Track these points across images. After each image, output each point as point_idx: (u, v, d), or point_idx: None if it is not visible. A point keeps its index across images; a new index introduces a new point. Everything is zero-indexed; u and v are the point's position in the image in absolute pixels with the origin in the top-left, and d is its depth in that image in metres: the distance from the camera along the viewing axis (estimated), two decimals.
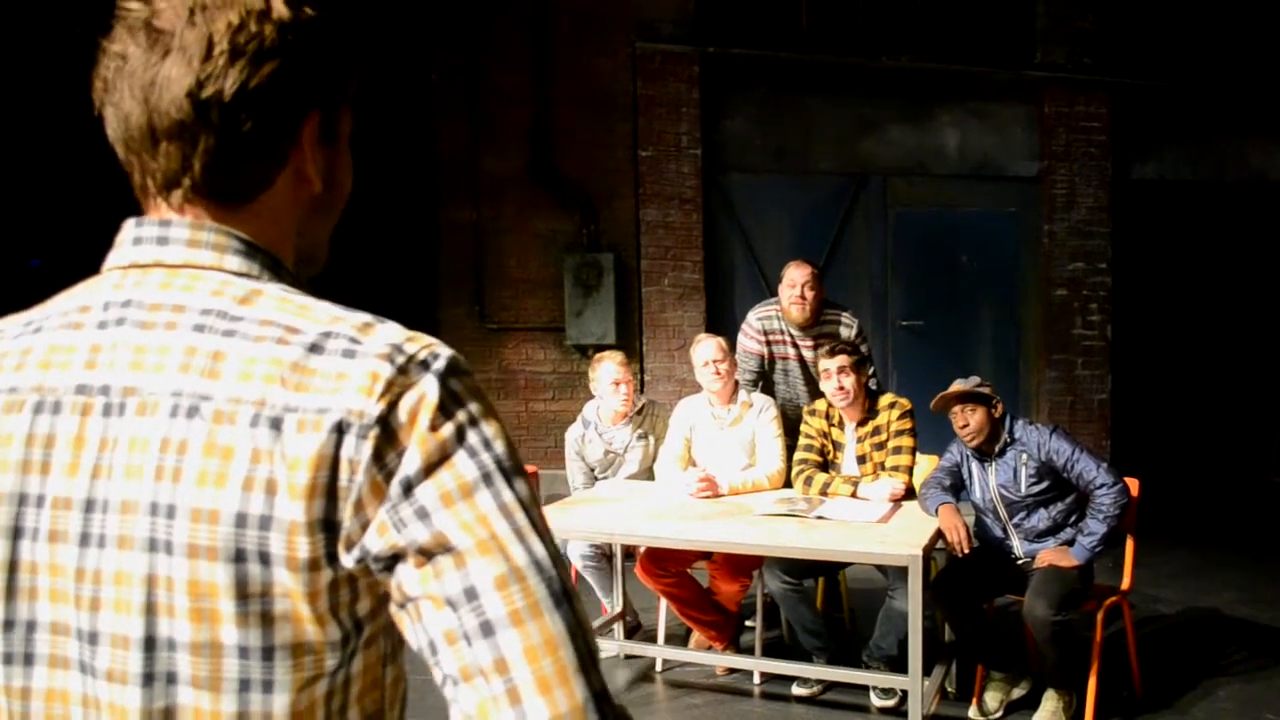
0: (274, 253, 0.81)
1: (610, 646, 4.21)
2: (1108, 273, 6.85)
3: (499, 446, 0.74)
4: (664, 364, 6.42)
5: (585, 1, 6.34)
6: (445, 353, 0.75)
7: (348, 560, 0.72)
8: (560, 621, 0.71)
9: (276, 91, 0.77)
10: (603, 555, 4.27)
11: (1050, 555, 3.50)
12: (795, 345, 4.36)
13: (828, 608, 4.49)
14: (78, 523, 0.74)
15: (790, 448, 4.08)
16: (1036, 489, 3.55)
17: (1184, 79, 6.87)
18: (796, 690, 3.85)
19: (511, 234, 6.42)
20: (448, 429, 0.72)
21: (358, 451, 0.70)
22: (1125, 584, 3.69)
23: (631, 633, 4.46)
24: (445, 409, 0.72)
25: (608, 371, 4.27)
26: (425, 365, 0.73)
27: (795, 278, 4.22)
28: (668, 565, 3.95)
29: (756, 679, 3.99)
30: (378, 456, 0.71)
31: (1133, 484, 3.64)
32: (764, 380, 4.43)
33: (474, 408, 0.74)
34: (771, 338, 4.38)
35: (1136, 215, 7.00)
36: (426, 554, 0.70)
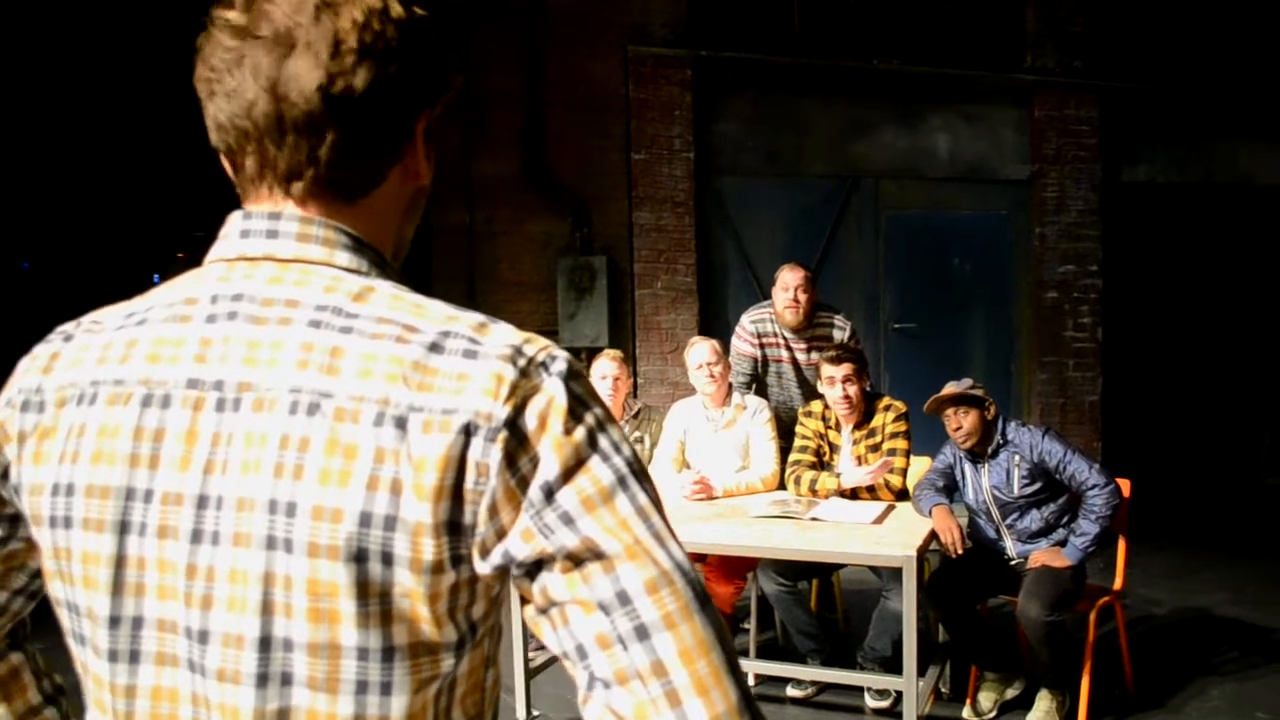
0: (378, 249, 0.81)
1: None
2: (1098, 275, 6.87)
3: (626, 450, 0.74)
4: (657, 367, 6.41)
5: (577, 5, 6.34)
6: (561, 354, 0.75)
7: (484, 566, 0.72)
8: (708, 624, 0.71)
9: (399, 89, 0.78)
10: None
11: (1043, 556, 3.51)
12: (789, 348, 4.37)
13: (822, 609, 4.50)
14: (189, 518, 0.72)
15: (784, 450, 4.09)
16: (1029, 490, 3.57)
17: (1174, 82, 6.90)
18: (791, 692, 3.86)
19: (504, 237, 6.41)
20: (580, 433, 0.72)
21: (485, 454, 0.70)
22: (1118, 584, 3.71)
23: None
24: (574, 413, 0.73)
25: (599, 367, 4.29)
26: (545, 367, 0.74)
27: (789, 281, 4.23)
28: None
29: (751, 681, 3.99)
30: (509, 461, 0.70)
31: (1124, 485, 3.66)
32: (757, 383, 4.44)
33: (599, 411, 0.75)
34: (765, 340, 4.39)
35: (1127, 218, 7.03)
36: (574, 559, 0.70)
